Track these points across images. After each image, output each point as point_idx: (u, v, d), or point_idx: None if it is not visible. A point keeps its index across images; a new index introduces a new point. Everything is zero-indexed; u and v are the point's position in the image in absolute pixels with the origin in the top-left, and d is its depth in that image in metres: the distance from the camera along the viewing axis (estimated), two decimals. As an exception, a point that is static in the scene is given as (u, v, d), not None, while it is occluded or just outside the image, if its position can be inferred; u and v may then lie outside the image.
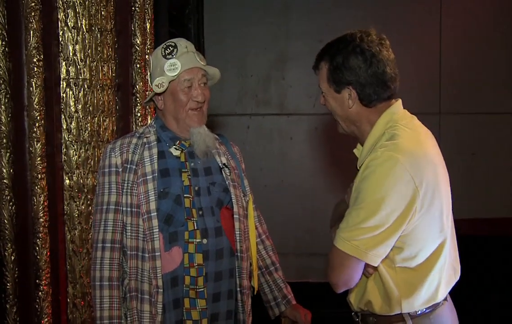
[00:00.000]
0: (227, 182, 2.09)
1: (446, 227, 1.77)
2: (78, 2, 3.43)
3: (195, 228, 1.98)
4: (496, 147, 4.98)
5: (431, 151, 1.83)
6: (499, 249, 4.17)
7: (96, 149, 3.80)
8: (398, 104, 1.90)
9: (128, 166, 2.01)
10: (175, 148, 2.07)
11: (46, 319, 3.65)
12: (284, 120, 4.97)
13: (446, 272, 1.75)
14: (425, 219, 1.70)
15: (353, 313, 1.85)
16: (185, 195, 2.01)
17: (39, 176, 3.67)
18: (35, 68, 3.25)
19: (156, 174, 1.99)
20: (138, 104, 3.60)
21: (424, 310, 1.66)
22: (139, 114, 3.64)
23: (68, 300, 3.79)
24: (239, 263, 2.05)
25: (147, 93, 3.40)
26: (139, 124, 3.57)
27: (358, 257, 1.65)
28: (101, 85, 3.58)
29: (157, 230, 1.94)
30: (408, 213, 1.66)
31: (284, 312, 2.21)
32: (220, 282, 2.00)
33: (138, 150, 2.04)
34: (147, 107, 3.32)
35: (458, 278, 1.83)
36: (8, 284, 3.67)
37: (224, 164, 2.11)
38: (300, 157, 4.89)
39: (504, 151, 5.00)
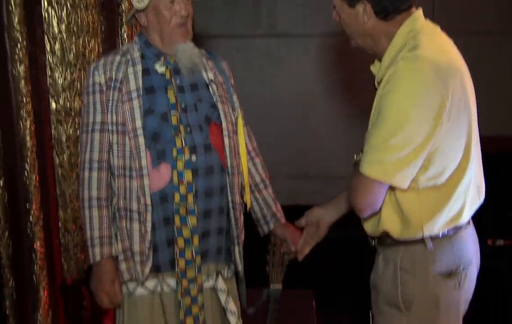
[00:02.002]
0: (214, 98, 2.03)
1: (472, 142, 1.67)
2: None
3: (183, 145, 1.93)
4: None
5: (457, 60, 1.70)
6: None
7: (82, 72, 3.69)
8: (419, 13, 1.73)
9: (112, 84, 1.94)
10: (160, 65, 2.00)
11: (38, 243, 3.65)
12: (274, 42, 4.84)
13: (471, 192, 1.66)
14: (452, 133, 1.59)
15: (368, 238, 1.77)
16: (171, 112, 1.95)
17: (24, 99, 3.57)
18: (13, -15, 3.11)
19: (141, 92, 1.93)
20: (124, 24, 3.47)
21: (446, 232, 1.59)
22: (125, 35, 3.52)
23: (60, 224, 3.78)
24: (230, 179, 2.01)
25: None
26: (126, 45, 3.46)
27: (385, 181, 1.55)
28: (84, 4, 3.42)
29: (144, 147, 1.89)
30: (435, 128, 1.54)
31: (273, 230, 2.20)
32: (211, 199, 1.98)
33: (122, 68, 1.96)
34: (134, 27, 3.20)
35: (482, 200, 1.75)
36: (-3, 209, 3.65)
37: (211, 80, 2.05)
38: (291, 79, 4.79)
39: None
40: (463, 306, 1.61)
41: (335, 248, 4.06)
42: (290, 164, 4.75)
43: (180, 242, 1.91)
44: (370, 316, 3.82)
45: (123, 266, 1.92)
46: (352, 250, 4.07)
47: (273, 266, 2.12)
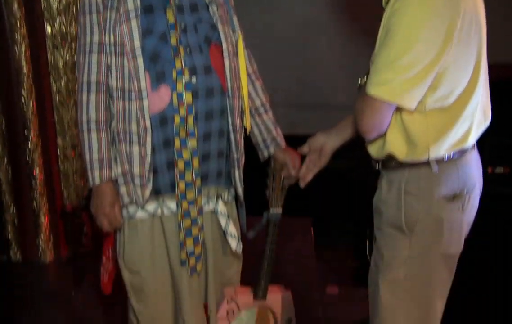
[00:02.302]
0: (214, 19, 1.95)
1: (481, 64, 1.61)
2: None
3: (183, 66, 1.86)
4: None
5: None
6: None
7: (77, -6, 3.59)
8: None
9: (109, 3, 1.86)
10: (158, -17, 1.91)
11: (37, 170, 3.63)
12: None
13: (477, 115, 1.62)
14: (462, 52, 1.52)
15: (372, 161, 1.75)
16: (170, 33, 1.88)
17: (18, 23, 3.47)
18: None
19: (139, 11, 1.85)
20: None
21: (452, 155, 1.55)
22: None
23: (59, 151, 3.76)
24: (230, 101, 1.96)
25: None
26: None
27: (392, 101, 1.49)
28: None
29: (143, 69, 1.83)
30: (445, 48, 1.48)
31: (273, 154, 2.16)
32: (211, 121, 1.93)
33: None
34: None
35: (488, 123, 1.70)
36: (-4, 135, 3.62)
37: (210, 0, 1.96)
38: (291, 4, 4.65)
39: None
40: (466, 229, 1.60)
41: (331, 178, 4.07)
42: (288, 93, 4.68)
43: (180, 165, 1.87)
44: (367, 242, 3.88)
45: (123, 189, 1.89)
46: (347, 180, 4.08)
47: (273, 190, 2.09)
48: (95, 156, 1.85)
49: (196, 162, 1.88)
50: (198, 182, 1.90)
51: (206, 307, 2.08)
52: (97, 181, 1.84)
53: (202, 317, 2.05)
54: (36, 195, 3.66)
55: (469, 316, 2.99)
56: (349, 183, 4.11)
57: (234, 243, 2.04)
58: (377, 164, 1.69)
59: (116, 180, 1.89)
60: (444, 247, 1.55)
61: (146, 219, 1.92)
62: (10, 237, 3.75)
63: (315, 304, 3.14)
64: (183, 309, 1.97)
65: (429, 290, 1.57)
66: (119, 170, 1.88)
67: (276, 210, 2.09)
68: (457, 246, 1.57)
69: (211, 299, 2.08)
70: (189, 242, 1.92)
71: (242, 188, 2.06)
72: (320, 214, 4.15)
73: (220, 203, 2.02)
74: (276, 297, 2.25)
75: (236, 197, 2.11)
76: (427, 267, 1.56)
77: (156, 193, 1.91)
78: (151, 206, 1.91)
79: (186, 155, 1.86)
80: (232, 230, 2.04)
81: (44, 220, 3.71)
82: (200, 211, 1.93)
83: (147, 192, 1.87)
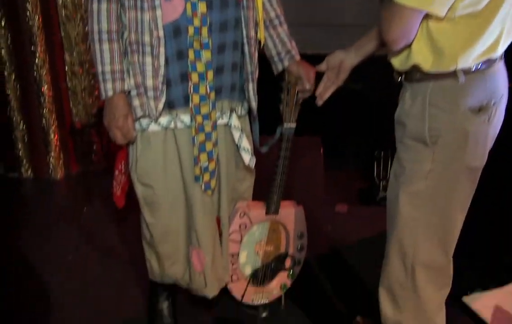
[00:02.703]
0: None
1: None
2: None
3: (197, -25, 1.77)
4: None
5: None
6: None
7: None
8: None
9: None
10: None
11: (45, 87, 3.57)
12: None
13: (508, 23, 1.51)
14: None
15: (394, 73, 1.67)
16: None
17: None
18: None
19: None
20: None
21: (480, 65, 1.47)
22: None
23: (66, 68, 3.68)
24: (245, 12, 1.87)
25: None
26: None
27: (422, 8, 1.40)
28: None
29: (155, -24, 1.74)
30: None
31: (287, 67, 2.09)
32: (225, 33, 1.85)
33: None
34: None
35: None
36: (2, 50, 3.53)
37: None
38: None
39: None
40: (490, 142, 1.55)
41: (341, 98, 4.00)
42: (298, 12, 4.55)
43: (194, 77, 1.81)
44: (374, 163, 3.86)
45: (136, 102, 1.84)
46: (356, 102, 4.02)
47: (287, 104, 2.03)
48: (107, 67, 1.78)
49: (210, 75, 1.82)
50: (212, 95, 1.84)
51: (218, 221, 2.08)
52: (110, 93, 1.78)
53: (215, 231, 2.05)
54: (45, 112, 3.61)
55: (489, 228, 2.99)
56: (358, 104, 4.05)
57: (248, 158, 2.01)
58: (399, 77, 1.62)
59: (129, 92, 1.83)
60: (468, 160, 1.50)
61: (159, 132, 1.88)
62: (20, 154, 3.74)
63: (325, 221, 3.16)
64: (195, 222, 1.96)
65: (450, 203, 1.54)
66: (132, 82, 1.82)
67: (290, 125, 2.04)
68: (481, 159, 1.53)
69: (223, 213, 2.08)
70: (203, 157, 1.88)
71: (256, 101, 2.00)
72: (328, 134, 4.11)
73: (234, 117, 1.97)
74: (288, 212, 2.25)
75: (250, 111, 2.06)
76: (449, 180, 1.52)
77: (170, 106, 1.86)
78: (164, 119, 1.86)
79: (200, 67, 1.80)
80: (246, 144, 2.01)
81: (53, 137, 3.68)
82: (214, 126, 1.89)
83: (161, 105, 1.82)
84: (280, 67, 2.08)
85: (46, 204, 3.43)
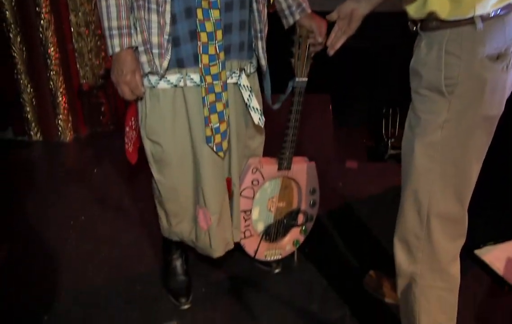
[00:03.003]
0: None
1: None
2: None
3: None
4: None
5: None
6: None
7: None
8: None
9: None
10: None
11: (52, 48, 3.53)
12: None
13: None
14: None
15: (409, 22, 1.63)
16: None
17: None
18: None
19: None
20: None
21: (499, 11, 1.42)
22: None
23: (72, 29, 3.64)
24: (253, -30, 1.83)
25: None
26: None
27: None
28: None
29: None
30: None
31: (298, 20, 2.05)
32: (233, -9, 1.82)
33: None
34: None
35: None
36: (7, 12, 3.48)
37: None
38: None
39: None
40: (508, 90, 1.51)
41: (349, 56, 3.95)
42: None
43: (203, 37, 1.78)
44: (383, 121, 3.82)
45: (143, 58, 1.81)
46: (364, 61, 3.97)
47: (299, 58, 2.00)
48: (114, 23, 1.75)
49: (219, 34, 1.79)
50: (221, 55, 1.82)
51: (229, 182, 2.08)
52: (117, 49, 1.75)
53: (223, 192, 2.05)
54: (52, 75, 3.59)
55: (503, 181, 2.98)
56: (366, 63, 4.00)
57: (257, 117, 2.00)
58: (414, 26, 1.58)
59: (137, 48, 1.80)
60: (485, 109, 1.47)
61: (169, 90, 1.86)
62: (29, 117, 3.73)
63: (336, 178, 3.16)
64: (203, 182, 1.96)
65: (466, 153, 1.52)
66: (139, 38, 1.79)
67: (301, 79, 2.01)
68: (498, 107, 1.50)
69: (234, 173, 2.08)
70: (214, 118, 1.87)
71: (266, 59, 1.98)
72: (336, 93, 4.07)
73: (243, 76, 1.95)
74: (300, 168, 2.25)
75: (259, 69, 2.03)
76: (465, 129, 1.49)
77: (179, 65, 1.84)
78: (174, 77, 1.84)
79: (209, 26, 1.77)
80: (255, 103, 1.99)
81: (61, 100, 3.67)
82: (224, 86, 1.87)
83: (165, 63, 1.80)
84: (291, 21, 2.04)
85: (56, 166, 3.44)
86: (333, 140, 3.62)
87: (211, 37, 1.78)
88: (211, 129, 1.87)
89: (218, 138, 1.89)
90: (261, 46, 1.94)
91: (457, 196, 1.58)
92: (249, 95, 1.97)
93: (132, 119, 2.02)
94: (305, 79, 2.02)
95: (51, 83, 3.60)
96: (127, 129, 2.04)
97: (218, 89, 1.85)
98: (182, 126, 1.91)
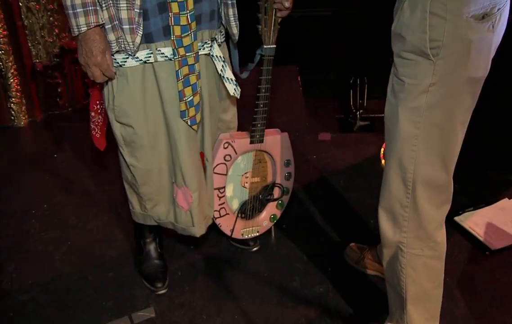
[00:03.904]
0: None
1: None
2: None
3: None
4: None
5: None
6: None
7: None
8: None
9: None
10: None
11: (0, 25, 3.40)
12: None
13: None
14: None
15: None
16: None
17: None
18: None
19: None
20: None
21: None
22: None
23: (20, 4, 3.48)
24: None
25: None
26: None
27: None
28: None
29: None
30: None
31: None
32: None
33: None
34: None
35: None
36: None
37: None
38: None
39: None
40: (494, 50, 1.54)
41: (315, 25, 3.96)
42: None
43: (174, 7, 1.73)
44: (350, 92, 3.83)
45: (111, 36, 1.75)
46: (330, 29, 3.98)
47: (266, 25, 1.98)
48: (77, 0, 1.68)
49: (190, 3, 1.75)
50: (193, 25, 1.78)
51: (202, 156, 2.06)
52: (83, 28, 1.68)
53: (200, 167, 2.03)
54: (1, 54, 3.45)
55: (491, 140, 3.04)
56: (332, 32, 4.01)
57: (232, 88, 1.98)
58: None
59: (103, 26, 1.74)
60: (470, 71, 1.48)
61: (137, 68, 1.81)
62: (-21, 102, 3.59)
63: (310, 150, 3.17)
64: (181, 159, 1.94)
65: (451, 117, 1.53)
66: (105, 15, 1.72)
67: (269, 46, 2.00)
68: (484, 69, 1.51)
69: (207, 147, 2.06)
70: (188, 91, 1.84)
71: (238, 27, 1.95)
72: (303, 64, 4.08)
73: (216, 46, 1.93)
74: (273, 139, 2.25)
75: (227, 37, 2.01)
76: (450, 92, 1.50)
77: (148, 39, 1.79)
78: (142, 53, 1.80)
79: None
80: (229, 74, 1.97)
81: (13, 82, 3.53)
82: (197, 57, 1.84)
83: (138, 38, 1.74)
84: None
85: (12, 154, 3.31)
86: (304, 111, 3.62)
87: (183, 7, 1.74)
88: (185, 103, 1.84)
89: (192, 111, 1.87)
90: (232, 13, 1.92)
91: (442, 161, 1.59)
92: (223, 66, 1.95)
93: (97, 103, 1.97)
94: (273, 46, 2.01)
95: (1, 64, 3.47)
96: (93, 114, 1.99)
97: (191, 60, 1.82)
98: (153, 104, 1.87)
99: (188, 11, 1.74)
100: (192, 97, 1.85)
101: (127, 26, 1.73)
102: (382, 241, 1.78)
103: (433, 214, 1.68)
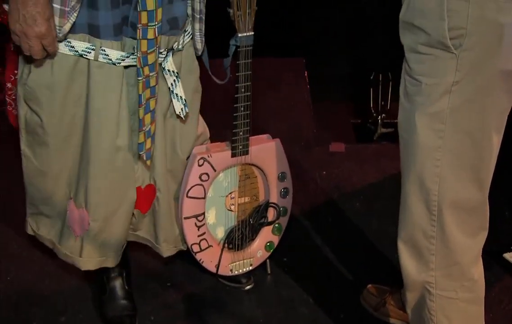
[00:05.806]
0: None
1: None
2: None
3: None
4: None
5: None
6: None
7: None
8: None
9: None
10: None
11: None
12: None
13: None
14: None
15: None
16: None
17: None
18: None
19: None
20: None
21: None
22: None
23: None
24: None
25: None
26: None
27: None
28: None
29: None
30: None
31: None
32: None
33: None
34: None
35: None
36: None
37: None
38: None
39: None
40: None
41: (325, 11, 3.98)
42: None
43: (144, 17, 1.73)
44: (370, 90, 3.81)
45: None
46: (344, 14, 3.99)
47: (239, 8, 1.95)
48: None
49: (159, 13, 1.76)
50: (159, 39, 1.81)
51: (150, 188, 2.07)
52: None
53: (119, 198, 2.02)
54: None
55: None
56: (347, 16, 4.03)
57: (179, 106, 1.98)
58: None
59: None
60: (504, 63, 1.47)
61: (69, 57, 1.80)
62: None
63: (318, 164, 3.17)
64: (90, 177, 1.94)
65: (483, 121, 1.52)
66: None
67: (245, 33, 1.98)
68: (520, 59, 1.51)
69: (158, 176, 2.07)
70: (147, 119, 1.88)
71: (203, 43, 2.02)
72: (312, 58, 4.07)
73: (169, 59, 1.94)
74: (262, 148, 2.23)
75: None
76: (480, 91, 1.49)
77: (92, 32, 1.78)
78: (80, 45, 1.78)
79: (150, 4, 1.73)
80: (179, 90, 1.97)
81: None
82: (157, 78, 1.88)
83: (68, 25, 1.73)
84: None
85: None
86: (312, 118, 3.61)
87: (152, 18, 1.75)
88: (144, 134, 1.88)
89: (148, 143, 1.92)
90: (199, 28, 1.97)
91: (474, 178, 1.58)
92: (174, 80, 1.97)
93: (15, 72, 1.95)
94: (251, 33, 1.99)
95: None
96: (9, 85, 2.00)
97: (153, 82, 1.86)
98: (75, 106, 1.87)
99: (156, 23, 1.76)
100: (150, 126, 1.90)
101: (58, 6, 1.69)
102: (404, 282, 1.78)
103: (467, 244, 1.67)
